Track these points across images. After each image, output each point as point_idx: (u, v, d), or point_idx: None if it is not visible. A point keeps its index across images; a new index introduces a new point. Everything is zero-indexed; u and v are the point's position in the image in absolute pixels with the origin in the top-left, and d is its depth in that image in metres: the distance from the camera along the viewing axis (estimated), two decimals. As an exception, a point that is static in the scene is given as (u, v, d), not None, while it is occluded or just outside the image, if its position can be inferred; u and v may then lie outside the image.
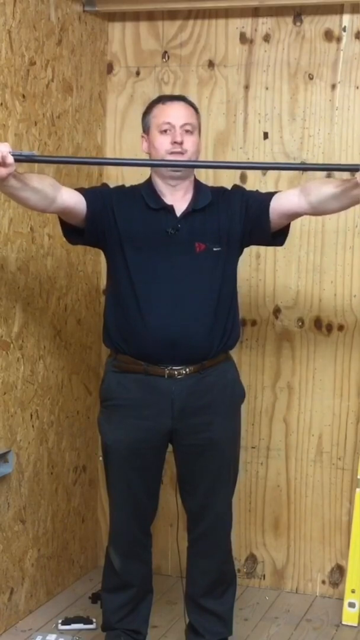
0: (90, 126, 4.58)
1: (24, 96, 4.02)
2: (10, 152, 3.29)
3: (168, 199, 3.66)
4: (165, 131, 3.59)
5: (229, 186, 3.88)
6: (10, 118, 3.94)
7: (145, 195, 3.67)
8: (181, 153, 3.59)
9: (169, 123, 3.59)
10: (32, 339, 4.18)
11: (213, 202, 3.69)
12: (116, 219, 3.65)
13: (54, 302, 4.32)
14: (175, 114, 3.61)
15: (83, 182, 4.50)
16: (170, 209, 3.65)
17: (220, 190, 3.80)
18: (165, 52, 4.62)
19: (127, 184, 3.89)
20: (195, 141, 3.63)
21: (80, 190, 3.70)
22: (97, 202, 3.64)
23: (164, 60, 4.63)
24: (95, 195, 3.68)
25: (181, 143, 3.58)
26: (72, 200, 3.60)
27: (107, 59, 4.69)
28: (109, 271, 3.73)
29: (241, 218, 3.69)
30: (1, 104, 3.88)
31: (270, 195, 3.71)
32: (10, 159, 3.28)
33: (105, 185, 3.94)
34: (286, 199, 3.67)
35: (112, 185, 3.92)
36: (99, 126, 4.66)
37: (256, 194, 3.78)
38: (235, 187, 3.87)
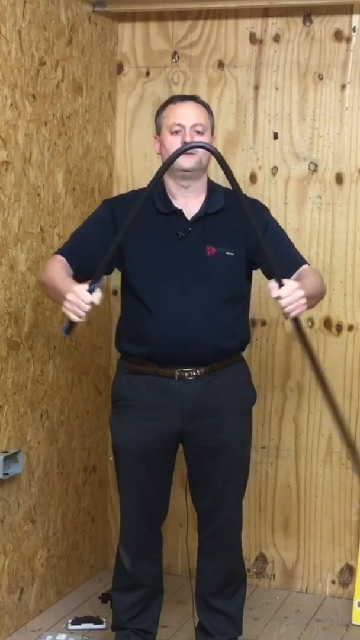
0: (100, 126, 4.59)
1: (34, 96, 4.03)
2: (88, 290, 3.35)
3: (179, 201, 3.65)
4: (176, 132, 3.57)
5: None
6: (20, 118, 3.95)
7: (156, 198, 3.63)
8: (192, 153, 3.56)
9: (179, 124, 3.58)
10: (42, 339, 4.19)
11: (227, 205, 3.67)
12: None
13: (64, 302, 4.32)
14: (185, 115, 3.59)
15: (93, 183, 4.51)
16: (179, 213, 3.65)
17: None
18: (175, 52, 4.63)
19: (137, 186, 3.87)
20: (206, 141, 3.58)
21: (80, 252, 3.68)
22: (106, 240, 3.58)
23: (174, 60, 4.63)
24: (98, 239, 3.65)
25: None
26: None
27: (117, 59, 4.69)
28: (122, 274, 3.73)
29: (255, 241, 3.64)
30: (11, 104, 3.88)
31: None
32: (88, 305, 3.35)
33: (105, 204, 3.81)
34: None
35: (122, 190, 3.86)
36: (108, 126, 4.67)
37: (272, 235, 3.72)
38: (259, 205, 3.83)
